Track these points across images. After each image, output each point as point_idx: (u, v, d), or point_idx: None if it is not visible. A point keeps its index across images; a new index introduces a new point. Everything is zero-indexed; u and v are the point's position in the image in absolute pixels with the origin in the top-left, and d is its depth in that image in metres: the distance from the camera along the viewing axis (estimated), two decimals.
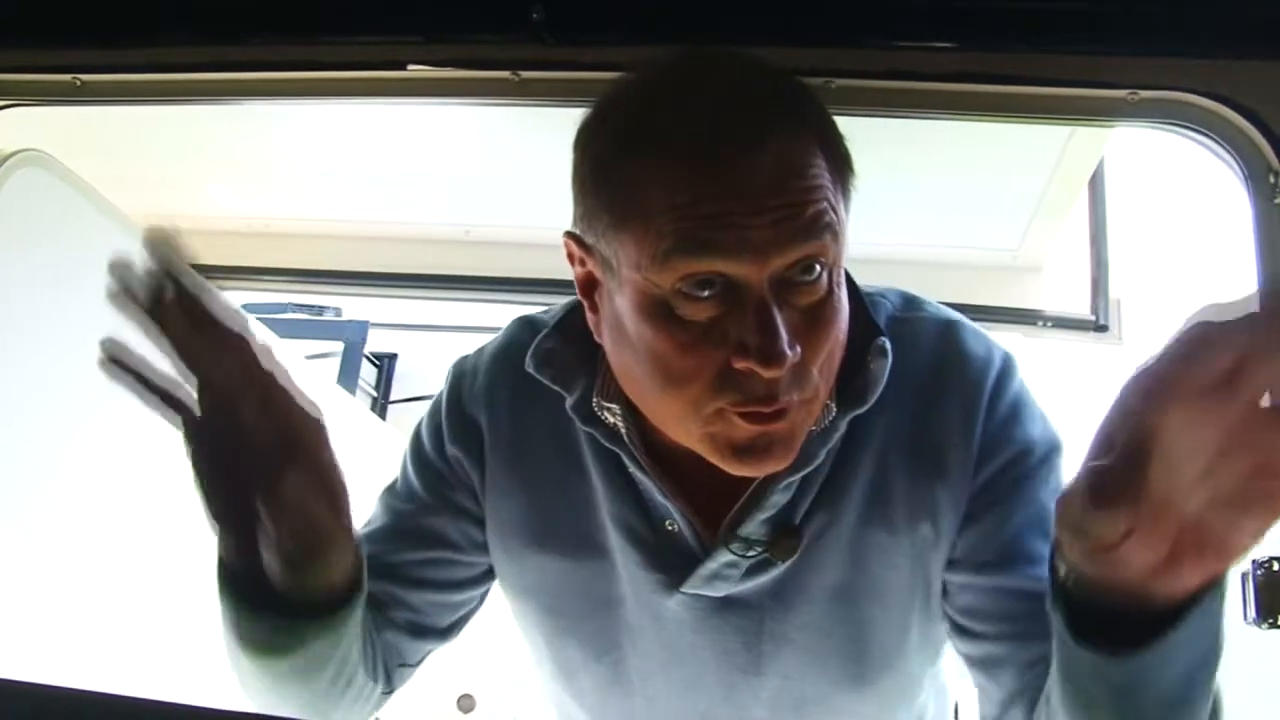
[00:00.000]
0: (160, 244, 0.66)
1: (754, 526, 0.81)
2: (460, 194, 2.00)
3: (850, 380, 0.79)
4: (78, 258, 1.38)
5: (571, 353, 0.84)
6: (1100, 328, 1.87)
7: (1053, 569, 0.63)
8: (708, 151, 0.68)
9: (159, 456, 1.57)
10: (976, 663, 0.85)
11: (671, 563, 0.84)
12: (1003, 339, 0.90)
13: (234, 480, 0.67)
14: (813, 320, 0.71)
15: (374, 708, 0.91)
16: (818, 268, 0.70)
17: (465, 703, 3.02)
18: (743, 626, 0.85)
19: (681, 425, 0.74)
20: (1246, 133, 0.96)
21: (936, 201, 1.81)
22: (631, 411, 0.81)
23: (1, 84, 1.19)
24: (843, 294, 0.73)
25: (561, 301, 0.91)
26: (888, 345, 0.79)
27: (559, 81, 1.06)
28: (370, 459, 2.08)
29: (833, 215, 0.70)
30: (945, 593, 0.85)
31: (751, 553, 0.82)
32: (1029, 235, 1.87)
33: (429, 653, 0.97)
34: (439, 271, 2.06)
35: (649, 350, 0.72)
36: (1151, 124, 1.00)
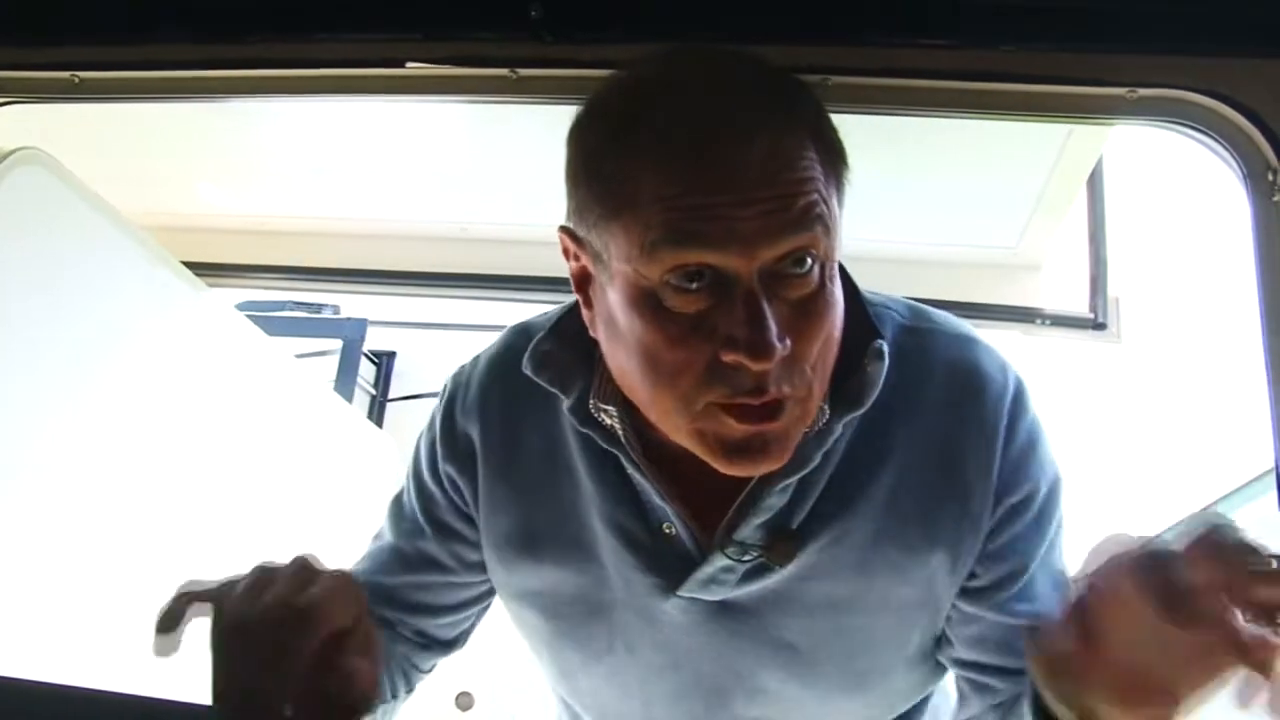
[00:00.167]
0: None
1: (749, 530, 0.81)
2: (458, 192, 2.00)
3: (845, 382, 0.79)
4: (74, 257, 1.38)
5: (569, 355, 0.83)
6: (1099, 326, 1.87)
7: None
8: (696, 143, 0.68)
9: (153, 456, 1.57)
10: (967, 681, 0.87)
11: (668, 566, 0.84)
12: (1001, 337, 0.90)
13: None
14: (804, 314, 0.70)
15: (394, 712, 0.95)
16: (809, 260, 0.69)
17: (463, 700, 3.02)
18: (739, 631, 0.85)
19: (673, 420, 0.74)
20: (1245, 131, 0.95)
21: (935, 199, 1.81)
22: (628, 413, 0.81)
23: None
24: (835, 289, 0.73)
25: (559, 299, 0.91)
26: (885, 348, 0.78)
27: (557, 79, 1.06)
28: (362, 466, 2.08)
29: (824, 208, 0.69)
30: (950, 619, 0.85)
31: (747, 557, 0.82)
32: (1028, 233, 1.87)
33: (437, 662, 0.99)
34: (437, 269, 2.06)
35: (639, 343, 0.72)
36: (1150, 122, 0.99)
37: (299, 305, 3.25)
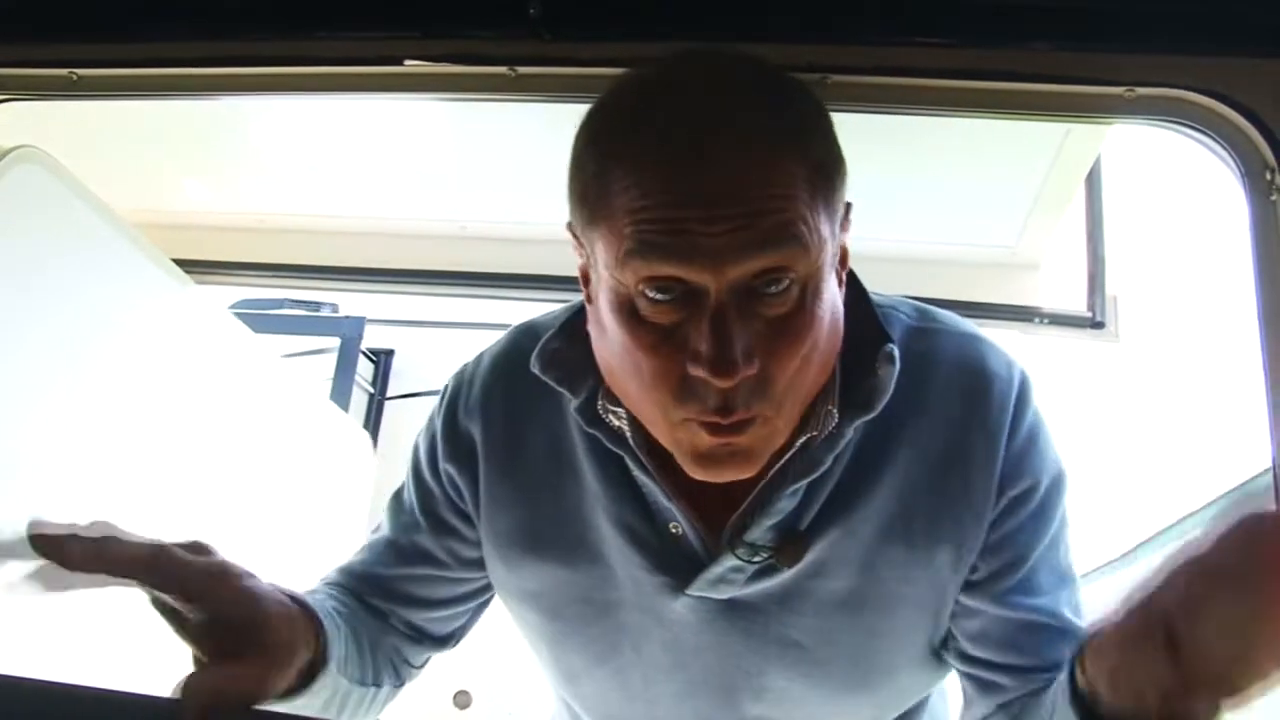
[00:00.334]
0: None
1: (760, 532, 0.81)
2: (456, 190, 2.00)
3: (857, 387, 0.79)
4: (66, 254, 1.38)
5: (577, 354, 0.83)
6: (1097, 325, 1.87)
7: (1073, 670, 0.68)
8: (668, 156, 0.68)
9: (148, 455, 1.57)
10: (972, 679, 0.87)
11: (676, 565, 0.84)
12: (999, 336, 0.90)
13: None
14: (779, 333, 0.70)
15: (383, 705, 0.94)
16: (786, 280, 0.69)
17: (461, 699, 3.03)
18: (748, 629, 0.85)
19: (654, 426, 0.75)
20: (1244, 130, 0.96)
21: (933, 198, 1.81)
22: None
23: None
24: (821, 308, 0.72)
25: (558, 297, 0.91)
26: (896, 352, 0.78)
27: (556, 77, 1.06)
28: (339, 462, 2.08)
29: (803, 227, 0.68)
30: (953, 614, 0.85)
31: (757, 558, 0.82)
32: (1026, 232, 1.87)
33: (429, 657, 0.99)
34: (435, 267, 2.05)
35: (621, 346, 0.72)
36: (1149, 121, 1.00)
37: (297, 303, 3.25)
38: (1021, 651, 0.82)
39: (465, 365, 0.96)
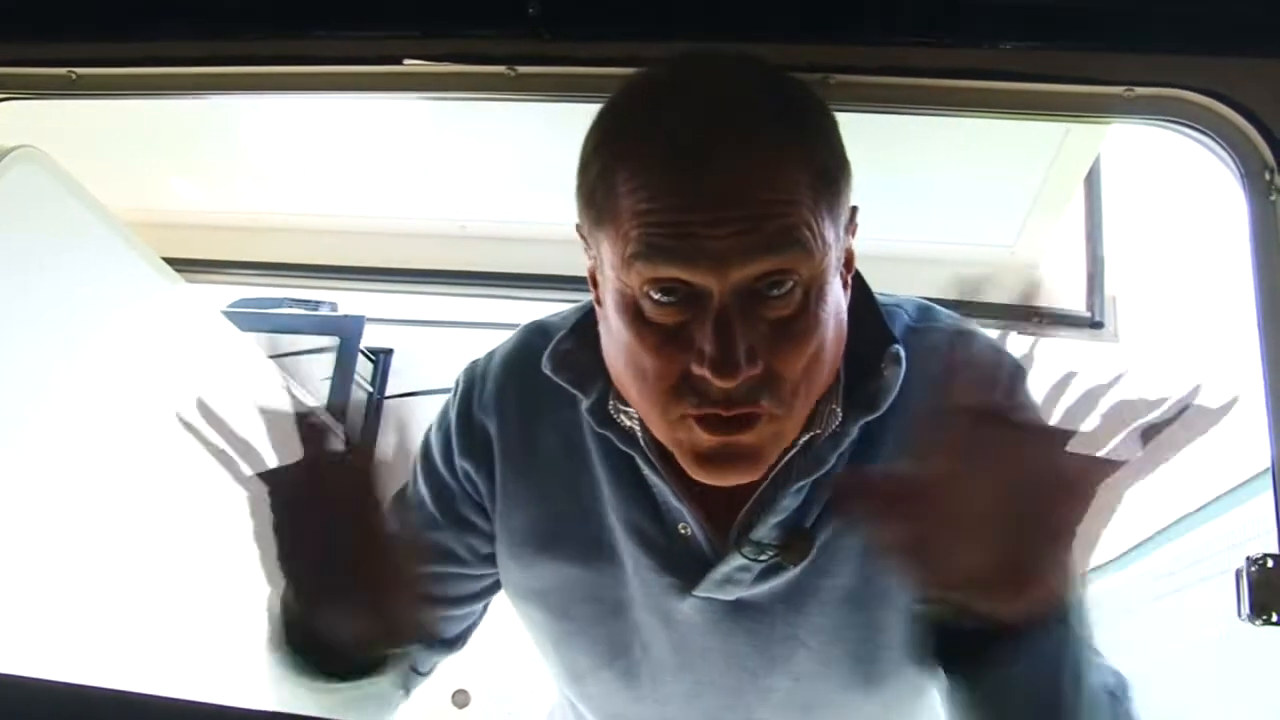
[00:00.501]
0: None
1: (766, 530, 0.82)
2: (456, 189, 2.00)
3: (862, 386, 0.79)
4: (61, 252, 1.39)
5: (588, 355, 0.83)
6: (1096, 324, 1.87)
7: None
8: (673, 160, 0.68)
9: (143, 453, 1.58)
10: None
11: (684, 566, 0.84)
12: (997, 336, 0.90)
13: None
14: (785, 335, 0.70)
15: (393, 712, 0.94)
16: (790, 283, 0.69)
17: (460, 698, 3.02)
18: (754, 629, 0.85)
19: (656, 425, 0.75)
20: (1243, 130, 0.96)
21: (932, 197, 1.81)
22: None
23: None
24: (825, 310, 0.72)
25: (558, 296, 0.91)
26: (901, 353, 0.79)
27: (555, 77, 1.06)
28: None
29: (807, 231, 0.69)
30: None
31: (763, 557, 0.82)
32: (1025, 232, 1.87)
33: (438, 663, 0.98)
34: (435, 266, 2.05)
35: (625, 346, 0.73)
36: (1148, 121, 1.00)
37: (296, 302, 3.25)
38: None
39: (476, 361, 0.96)
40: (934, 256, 1.94)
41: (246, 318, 2.81)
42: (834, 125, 0.75)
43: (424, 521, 0.94)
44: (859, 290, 0.82)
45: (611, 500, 0.86)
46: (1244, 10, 0.95)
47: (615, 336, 0.74)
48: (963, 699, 0.69)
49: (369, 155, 1.92)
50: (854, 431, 0.80)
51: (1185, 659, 1.52)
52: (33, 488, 1.35)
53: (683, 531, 0.84)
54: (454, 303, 2.31)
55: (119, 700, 0.61)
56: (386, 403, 3.59)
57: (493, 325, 2.20)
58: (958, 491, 0.60)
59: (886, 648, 0.86)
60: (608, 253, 0.72)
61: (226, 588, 1.63)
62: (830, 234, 0.71)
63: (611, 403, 0.83)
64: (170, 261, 1.71)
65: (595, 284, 0.79)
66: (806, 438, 0.79)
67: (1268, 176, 0.94)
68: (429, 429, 0.96)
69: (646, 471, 0.83)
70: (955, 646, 0.68)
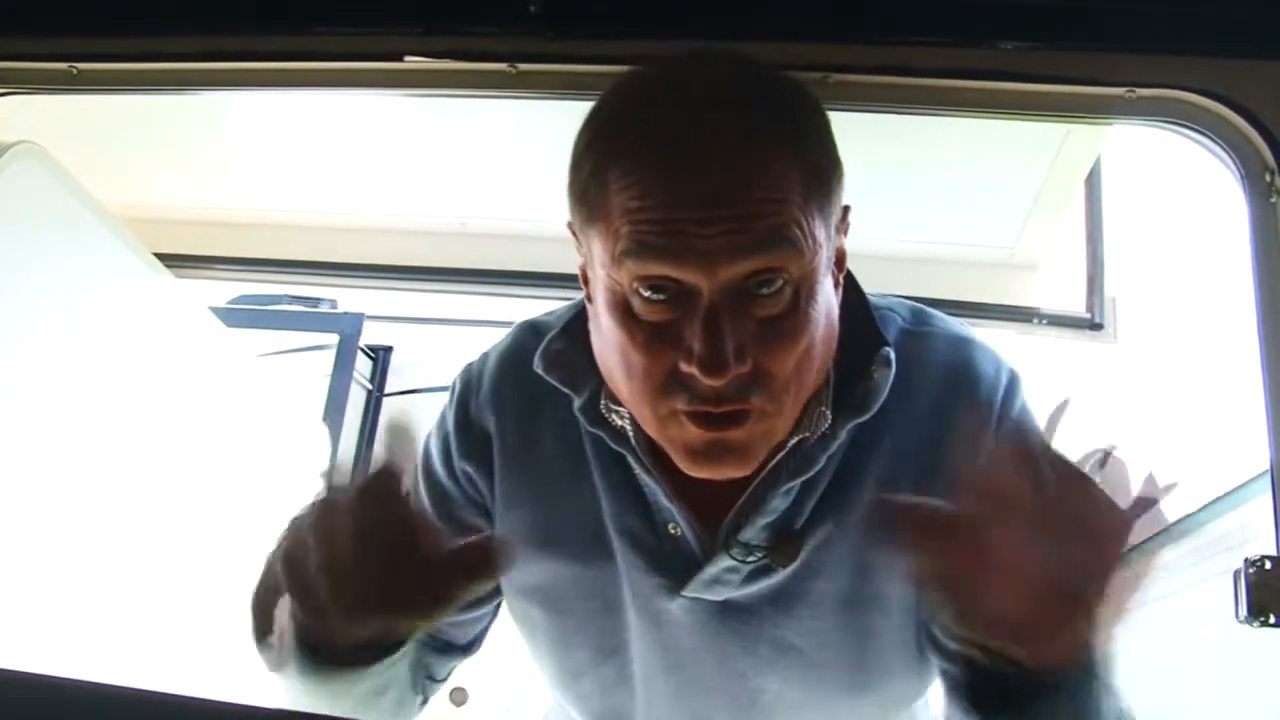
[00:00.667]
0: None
1: (754, 532, 0.81)
2: (457, 187, 2.00)
3: (852, 389, 0.79)
4: (57, 248, 1.39)
5: (580, 354, 0.84)
6: (1095, 326, 1.86)
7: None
8: (664, 158, 0.68)
9: (140, 452, 1.58)
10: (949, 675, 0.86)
11: (673, 566, 0.85)
12: (997, 336, 0.90)
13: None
14: (774, 333, 0.70)
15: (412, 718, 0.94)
16: (779, 282, 0.70)
17: (458, 696, 3.02)
18: (742, 631, 0.85)
19: (647, 424, 0.76)
20: (1244, 132, 0.96)
21: (932, 198, 1.81)
22: None
23: None
24: (815, 309, 0.72)
25: (558, 294, 0.91)
26: (892, 355, 0.79)
27: (557, 74, 1.06)
28: (300, 454, 2.10)
29: (797, 230, 0.69)
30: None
31: (751, 558, 0.82)
32: (1025, 232, 1.87)
33: (453, 668, 0.98)
34: (435, 264, 2.05)
35: (615, 343, 0.73)
36: (1148, 122, 1.00)
37: (296, 299, 3.25)
38: None
39: (471, 363, 0.96)
40: (934, 257, 1.93)
41: (246, 314, 2.82)
42: (826, 124, 0.75)
43: None
44: (851, 291, 0.82)
45: (605, 499, 0.86)
46: (1245, 12, 0.96)
47: (606, 334, 0.75)
48: None
49: (370, 152, 1.92)
50: (843, 434, 0.80)
51: (1185, 659, 1.52)
52: (19, 480, 1.35)
53: (672, 531, 0.84)
54: (454, 300, 2.31)
55: (119, 697, 0.61)
56: (385, 400, 3.59)
57: (493, 323, 2.20)
58: (1001, 534, 0.59)
59: (878, 653, 0.86)
60: (598, 250, 0.72)
61: (215, 580, 1.64)
62: (821, 233, 0.72)
63: (603, 402, 0.83)
64: (167, 257, 1.71)
65: (586, 281, 0.80)
66: (796, 439, 0.79)
67: (1268, 178, 0.94)
68: (427, 437, 0.96)
69: (637, 470, 0.83)
70: (983, 686, 0.67)
